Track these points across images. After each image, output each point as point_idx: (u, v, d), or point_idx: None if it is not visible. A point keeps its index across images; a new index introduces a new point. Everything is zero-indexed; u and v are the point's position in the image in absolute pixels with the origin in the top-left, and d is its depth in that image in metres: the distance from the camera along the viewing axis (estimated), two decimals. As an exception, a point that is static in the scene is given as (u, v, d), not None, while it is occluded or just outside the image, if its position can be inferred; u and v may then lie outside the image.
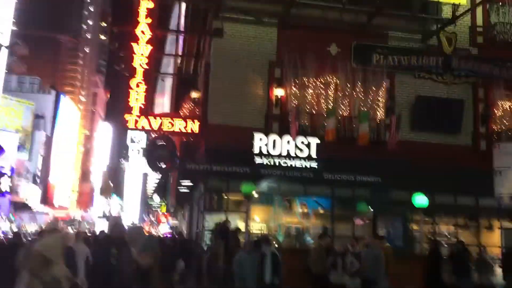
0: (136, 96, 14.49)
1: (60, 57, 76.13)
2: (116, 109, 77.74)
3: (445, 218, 16.12)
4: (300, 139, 14.28)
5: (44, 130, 63.60)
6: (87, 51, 78.59)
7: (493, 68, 15.91)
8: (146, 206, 63.95)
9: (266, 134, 14.41)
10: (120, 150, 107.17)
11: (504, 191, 12.37)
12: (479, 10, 16.13)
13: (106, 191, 48.09)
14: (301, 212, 15.56)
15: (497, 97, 15.79)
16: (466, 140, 15.74)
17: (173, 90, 22.25)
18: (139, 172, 71.57)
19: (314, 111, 15.00)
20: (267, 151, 14.28)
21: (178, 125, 14.52)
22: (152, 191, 36.46)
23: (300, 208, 15.54)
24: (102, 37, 77.18)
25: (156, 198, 33.85)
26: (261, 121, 14.96)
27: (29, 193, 58.66)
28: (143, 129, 14.30)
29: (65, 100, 67.81)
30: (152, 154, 13.15)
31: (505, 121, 15.61)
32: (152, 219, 67.28)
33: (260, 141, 14.31)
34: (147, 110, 14.74)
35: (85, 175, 75.46)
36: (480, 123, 15.71)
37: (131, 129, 14.40)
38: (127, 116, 14.45)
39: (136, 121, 14.35)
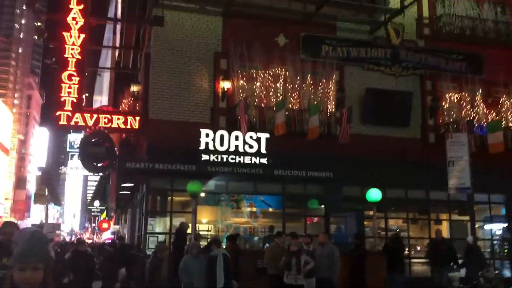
0: (68, 90, 13.05)
1: (-10, 58, 71.22)
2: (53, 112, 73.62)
3: (396, 212, 15.84)
4: (249, 134, 13.40)
5: (-28, 135, 59.19)
6: (20, 51, 73.94)
7: (440, 60, 15.77)
8: (87, 213, 60.91)
9: (213, 130, 13.43)
10: (58, 155, 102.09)
11: (456, 181, 12.07)
12: (425, 1, 15.96)
13: (40, 199, 45.04)
14: (250, 211, 14.74)
15: (444, 89, 15.65)
16: (415, 133, 15.49)
17: (111, 86, 20.73)
18: (79, 178, 68.30)
19: (262, 105, 14.17)
20: (214, 147, 13.30)
21: (117, 121, 13.21)
22: (92, 196, 34.35)
23: (249, 207, 14.71)
24: (36, 37, 72.68)
25: (96, 203, 31.86)
26: (207, 115, 13.95)
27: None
28: (76, 125, 12.88)
29: (-4, 103, 63.46)
30: (87, 152, 11.76)
31: (452, 113, 15.47)
32: (94, 225, 64.20)
33: (206, 137, 13.31)
34: (81, 105, 13.32)
35: (20, 182, 70.94)
36: (428, 115, 15.51)
37: (64, 126, 12.91)
38: (58, 112, 13.00)
39: (69, 117, 12.91)
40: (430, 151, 14.81)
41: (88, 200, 40.92)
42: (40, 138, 79.19)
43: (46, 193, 44.20)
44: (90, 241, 56.10)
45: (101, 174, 18.61)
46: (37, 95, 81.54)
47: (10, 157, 69.86)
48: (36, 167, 53.71)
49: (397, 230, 15.43)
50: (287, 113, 13.57)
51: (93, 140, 11.99)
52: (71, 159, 48.58)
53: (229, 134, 13.46)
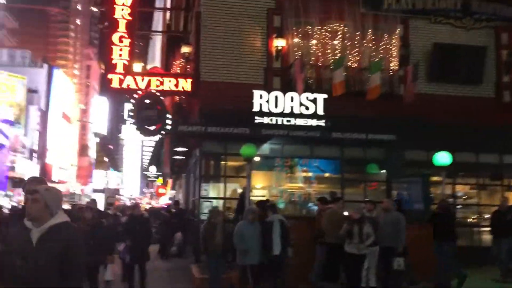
0: (119, 52, 12.68)
1: (51, 30, 73.39)
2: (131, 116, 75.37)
3: (465, 178, 14.60)
4: (305, 95, 12.54)
5: (38, 104, 61.64)
6: (78, 23, 75.69)
7: (518, 10, 14.07)
8: (145, 179, 62.55)
9: (267, 91, 12.68)
10: (117, 123, 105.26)
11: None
12: None
13: (100, 164, 46.72)
14: (304, 176, 14.00)
15: (522, 42, 14.00)
16: (488, 91, 14.03)
17: (162, 51, 20.34)
18: (136, 145, 70.16)
19: (319, 63, 13.21)
20: (268, 109, 12.57)
21: (168, 83, 12.75)
22: (148, 162, 34.83)
23: (303, 173, 13.97)
24: (92, 6, 74.19)
25: (153, 169, 32.28)
26: (261, 76, 13.19)
27: (26, 169, 57.22)
28: (128, 88, 12.51)
29: (58, 73, 65.55)
30: (139, 115, 11.38)
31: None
32: (152, 191, 66.10)
33: (260, 99, 12.57)
34: (132, 66, 12.93)
35: (83, 149, 73.88)
36: (503, 72, 13.97)
37: (115, 89, 12.61)
38: (110, 75, 12.68)
39: (121, 80, 12.57)
40: (505, 111, 13.39)
41: (145, 166, 41.74)
42: (100, 107, 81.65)
43: (106, 159, 45.54)
44: (149, 206, 57.90)
45: (155, 138, 18.46)
46: (96, 65, 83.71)
47: (73, 126, 72.63)
48: (98, 135, 55.51)
49: (464, 197, 14.24)
50: (345, 73, 12.55)
51: (145, 102, 11.57)
52: (129, 124, 49.35)
53: (284, 95, 12.66)
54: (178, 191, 23.11)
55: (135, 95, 11.97)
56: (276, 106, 12.61)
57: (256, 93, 12.52)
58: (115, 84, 12.57)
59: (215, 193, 13.36)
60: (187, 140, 14.41)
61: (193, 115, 13.51)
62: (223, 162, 13.23)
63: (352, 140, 12.72)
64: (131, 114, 11.73)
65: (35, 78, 61.63)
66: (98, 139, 64.86)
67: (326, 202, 10.41)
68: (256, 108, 12.50)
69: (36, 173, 60.22)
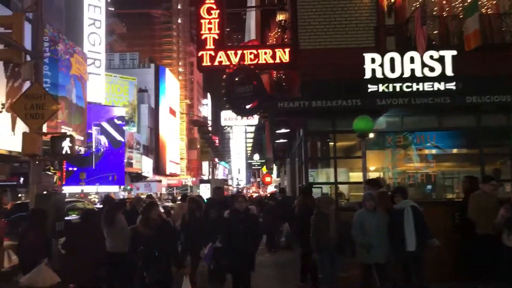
0: (208, 26, 11.28)
1: (155, 31, 76.20)
2: (213, 76, 76.76)
3: None
4: (429, 53, 10.10)
5: (148, 103, 64.38)
6: (179, 22, 77.72)
7: None
8: (250, 168, 62.51)
9: (380, 53, 10.45)
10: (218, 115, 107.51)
11: None
12: None
13: (205, 156, 47.22)
14: (426, 154, 11.49)
15: None
16: None
17: (257, 26, 18.82)
18: (241, 134, 70.74)
19: (444, 14, 10.64)
20: (383, 75, 10.34)
21: (264, 55, 11.08)
22: (251, 150, 33.84)
23: (423, 150, 11.46)
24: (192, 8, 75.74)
25: (256, 157, 31.17)
26: (371, 37, 10.99)
27: (142, 164, 60.09)
28: (220, 65, 11.07)
29: (164, 72, 67.93)
30: (232, 92, 9.88)
31: None
32: (258, 180, 65.97)
33: (372, 63, 10.37)
34: (224, 41, 11.46)
35: (191, 143, 76.06)
36: None
37: (207, 67, 11.26)
38: (200, 53, 11.36)
39: (212, 57, 11.17)
40: None
41: (248, 154, 41.14)
42: (204, 101, 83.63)
43: (209, 150, 45.76)
44: (256, 195, 57.80)
45: (254, 121, 16.96)
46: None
47: (181, 121, 75.05)
48: (200, 129, 56.42)
49: None
50: (481, 18, 9.86)
51: (238, 78, 10.03)
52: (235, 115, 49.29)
53: (402, 57, 10.32)
54: (283, 178, 21.56)
55: (228, 71, 10.46)
56: (392, 71, 10.33)
57: (367, 56, 10.35)
58: (206, 62, 11.22)
59: (323, 178, 11.48)
60: (289, 120, 12.68)
61: (294, 90, 11.73)
62: (331, 143, 11.29)
63: (492, 105, 10.03)
64: (224, 91, 10.18)
65: (144, 78, 64.40)
66: (208, 133, 66.32)
67: (475, 182, 8.04)
68: (368, 75, 10.34)
69: (150, 168, 63.06)
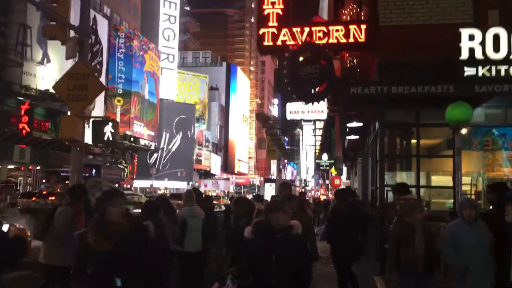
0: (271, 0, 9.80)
1: (229, 30, 76.36)
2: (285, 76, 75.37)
3: None
4: (546, 26, 7.94)
5: (218, 100, 64.39)
6: (253, 21, 77.27)
7: None
8: (319, 170, 60.38)
9: (480, 29, 8.41)
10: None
11: None
12: None
13: (271, 155, 45.86)
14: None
15: None
16: None
17: (329, 3, 16.97)
18: (311, 137, 68.85)
19: None
20: (484, 55, 8.29)
21: (335, 33, 9.40)
22: (319, 149, 31.99)
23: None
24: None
25: (324, 157, 29.35)
26: (468, 10, 8.94)
27: (211, 161, 60.20)
28: (283, 45, 9.54)
29: (236, 70, 67.72)
30: (296, 73, 8.30)
31: None
32: (327, 183, 63.67)
33: (470, 41, 8.35)
34: (288, 17, 9.91)
35: (260, 142, 75.27)
36: None
37: (268, 47, 9.79)
38: (262, 30, 9.91)
39: (274, 35, 9.66)
40: None
41: (316, 154, 39.24)
42: (274, 101, 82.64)
43: (276, 149, 44.43)
44: (324, 197, 55.69)
45: (322, 115, 15.21)
46: (270, 61, 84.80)
47: (250, 120, 74.50)
48: (268, 130, 55.31)
49: None
50: None
51: (303, 58, 8.44)
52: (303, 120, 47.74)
53: (509, 33, 8.23)
54: (353, 180, 19.61)
55: (291, 49, 8.90)
56: (496, 50, 8.25)
57: (465, 33, 8.34)
58: (268, 41, 9.73)
59: (403, 179, 9.59)
60: (362, 112, 10.89)
61: (369, 76, 9.94)
62: (413, 139, 9.39)
63: None
64: (286, 72, 8.61)
65: (216, 76, 64.52)
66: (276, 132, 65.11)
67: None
68: (464, 55, 8.34)
69: (219, 166, 62.93)
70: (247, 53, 75.43)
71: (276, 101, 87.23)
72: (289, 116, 19.10)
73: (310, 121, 33.69)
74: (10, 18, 28.70)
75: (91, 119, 8.73)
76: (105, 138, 8.54)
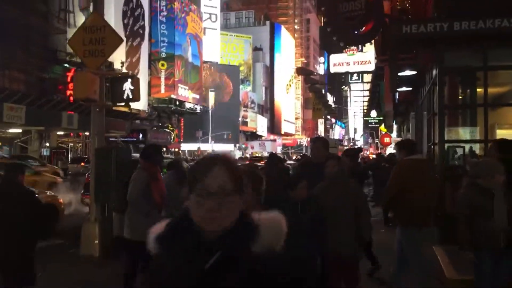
0: None
1: (272, -12, 73.62)
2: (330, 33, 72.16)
3: None
4: None
5: (263, 61, 62.76)
6: (296, -23, 73.98)
7: None
8: (368, 128, 58.07)
9: None
10: (340, 75, 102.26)
11: None
12: None
13: (317, 113, 44.40)
14: None
15: None
16: None
17: None
18: (358, 93, 66.24)
19: None
20: None
21: (383, -36, 7.85)
22: (367, 106, 30.10)
23: None
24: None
25: (373, 114, 27.48)
26: None
27: (257, 122, 59.36)
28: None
29: (280, 29, 65.43)
30: (335, 10, 6.92)
31: None
32: (377, 141, 61.40)
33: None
34: None
35: (307, 102, 73.41)
36: None
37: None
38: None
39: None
40: None
41: (364, 111, 37.30)
42: (320, 59, 79.70)
43: (321, 108, 42.68)
44: (374, 156, 53.47)
45: (369, 67, 13.62)
46: (315, 18, 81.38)
47: (296, 80, 72.49)
48: (312, 87, 53.30)
49: None
50: None
51: (346, -8, 7.00)
52: (350, 77, 45.77)
53: None
54: (405, 137, 18.00)
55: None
56: None
57: None
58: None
59: (467, 135, 8.14)
60: (417, 57, 9.36)
61: (424, 12, 8.36)
62: (479, 87, 7.85)
63: None
64: (323, 9, 7.23)
65: (260, 36, 62.69)
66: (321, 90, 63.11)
67: None
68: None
69: (265, 127, 62.03)
70: (291, 11, 72.55)
71: (322, 59, 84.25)
72: (332, 69, 17.51)
73: (356, 74, 31.63)
74: (51, -16, 28.38)
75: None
76: (124, 97, 7.63)
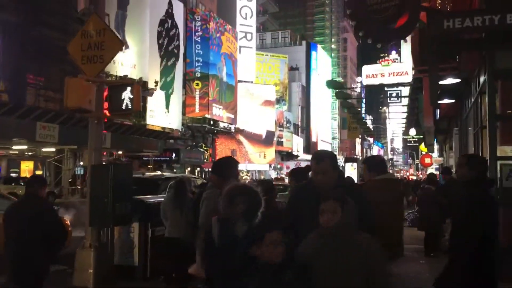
0: None
1: (308, 9, 72.97)
2: (369, 52, 70.78)
3: None
4: None
5: (299, 81, 61.84)
6: (332, -4, 73.30)
7: None
8: (407, 148, 55.62)
9: None
10: (377, 95, 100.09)
11: None
12: None
13: (352, 133, 42.85)
14: None
15: None
16: None
17: None
18: (398, 114, 64.06)
19: None
20: None
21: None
22: (405, 123, 28.30)
23: None
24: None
25: (412, 132, 25.62)
26: None
27: (292, 142, 58.13)
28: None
29: (316, 48, 64.53)
30: (363, 2, 5.78)
31: None
32: (417, 162, 58.74)
33: None
34: None
35: (343, 122, 71.65)
36: None
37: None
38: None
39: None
40: None
41: (403, 130, 35.39)
42: (358, 79, 78.05)
43: (358, 126, 41.04)
44: (415, 177, 51.14)
45: (406, 78, 12.27)
46: (352, 37, 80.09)
47: (333, 99, 71.01)
48: (347, 105, 51.72)
49: None
50: None
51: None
52: (388, 97, 44.00)
53: None
54: (447, 156, 16.29)
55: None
56: None
57: None
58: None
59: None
60: (461, 60, 8.05)
61: (470, 1, 7.10)
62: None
63: None
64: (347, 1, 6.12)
65: (296, 56, 62.00)
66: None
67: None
68: None
69: (301, 147, 60.69)
70: (327, 30, 71.65)
71: (359, 79, 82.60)
72: (365, 81, 16.17)
73: (395, 93, 29.94)
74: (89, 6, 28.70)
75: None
76: (123, 106, 6.74)
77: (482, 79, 7.16)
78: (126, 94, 6.76)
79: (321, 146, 66.01)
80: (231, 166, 4.18)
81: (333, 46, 71.67)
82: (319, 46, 65.69)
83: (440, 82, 8.55)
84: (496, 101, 6.46)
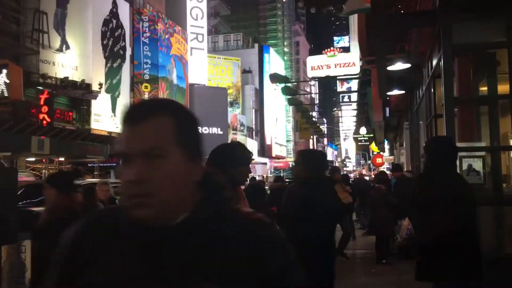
0: None
1: (260, 12, 72.20)
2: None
3: None
4: None
5: (252, 83, 60.84)
6: (284, 0, 72.80)
7: None
8: (360, 148, 55.85)
9: None
10: (330, 97, 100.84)
11: None
12: None
13: (304, 133, 42.36)
14: None
15: None
16: None
17: None
18: (350, 114, 64.42)
19: None
20: None
21: None
22: (355, 123, 27.75)
23: None
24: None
25: (363, 131, 25.02)
26: None
27: (246, 145, 57.08)
28: None
29: (269, 51, 63.78)
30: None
31: None
32: (369, 162, 59.07)
33: None
34: None
35: (297, 124, 71.35)
36: None
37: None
38: None
39: None
40: None
41: (353, 129, 35.04)
42: (311, 82, 78.04)
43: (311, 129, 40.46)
44: (367, 178, 51.09)
45: (350, 67, 11.31)
46: (304, 41, 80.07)
47: (286, 103, 70.58)
48: (299, 107, 51.27)
49: None
50: None
51: None
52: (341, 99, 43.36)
53: None
54: (398, 153, 15.50)
55: None
56: None
57: None
58: None
59: (485, 140, 5.72)
60: (411, 39, 7.04)
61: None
62: (502, 73, 5.50)
63: None
64: None
65: (248, 58, 61.01)
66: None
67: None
68: None
69: (255, 150, 59.66)
70: (280, 33, 71.08)
71: (312, 82, 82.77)
72: (310, 73, 15.17)
73: (346, 96, 29.31)
74: (24, 3, 26.24)
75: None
76: (-1, 94, 5.18)
77: (435, 61, 6.15)
78: (1, 79, 5.22)
79: (276, 149, 65.30)
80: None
81: (285, 49, 71.17)
82: (271, 49, 65.03)
83: (389, 68, 7.52)
84: (454, 83, 5.41)
